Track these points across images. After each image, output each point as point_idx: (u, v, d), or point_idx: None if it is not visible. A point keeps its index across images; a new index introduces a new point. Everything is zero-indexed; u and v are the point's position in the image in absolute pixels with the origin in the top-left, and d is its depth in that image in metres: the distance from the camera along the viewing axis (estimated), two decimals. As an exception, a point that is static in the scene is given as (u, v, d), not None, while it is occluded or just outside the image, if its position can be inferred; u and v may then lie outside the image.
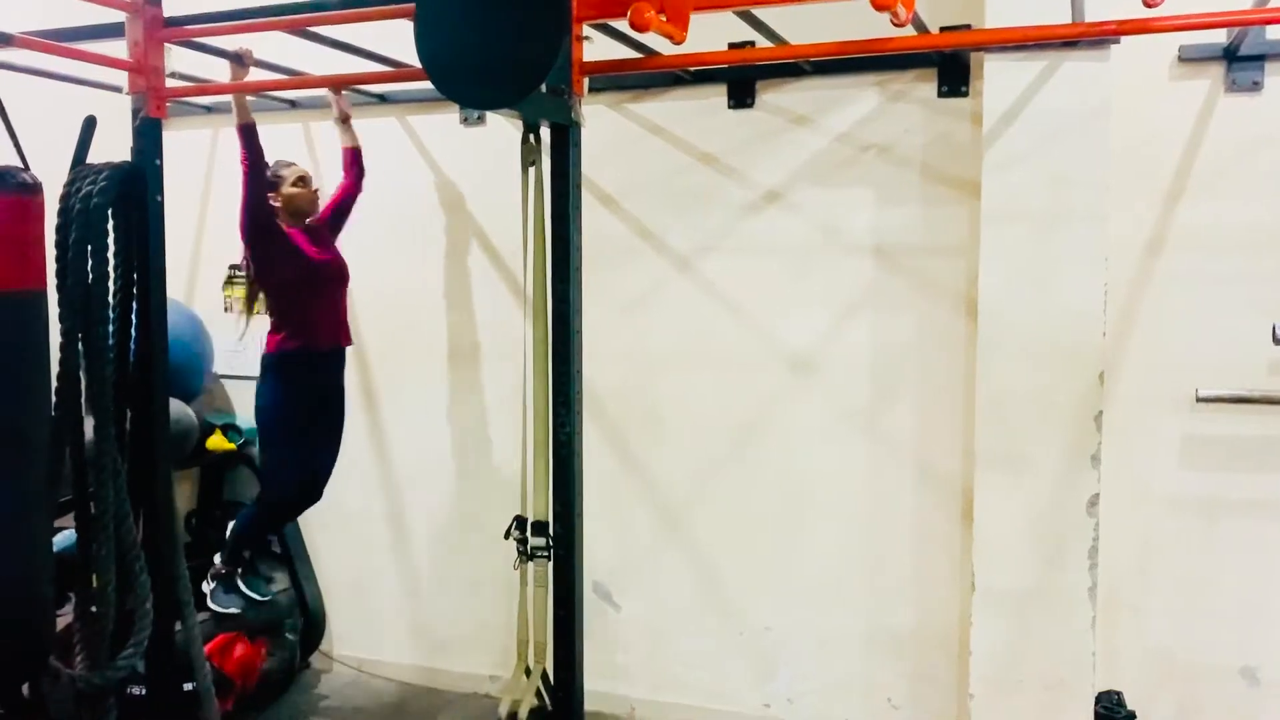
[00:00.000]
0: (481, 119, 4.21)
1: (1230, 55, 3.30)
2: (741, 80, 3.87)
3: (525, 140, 2.99)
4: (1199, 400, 3.31)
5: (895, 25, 2.61)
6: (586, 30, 2.97)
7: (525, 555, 3.13)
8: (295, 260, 3.72)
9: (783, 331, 3.91)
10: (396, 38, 3.14)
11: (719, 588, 4.05)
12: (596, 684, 3.63)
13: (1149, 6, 2.47)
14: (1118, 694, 3.43)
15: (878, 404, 3.80)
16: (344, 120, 4.00)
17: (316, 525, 4.55)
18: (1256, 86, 3.31)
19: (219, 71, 3.79)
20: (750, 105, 3.90)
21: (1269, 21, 3.02)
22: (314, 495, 3.94)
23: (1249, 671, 3.42)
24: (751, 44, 3.57)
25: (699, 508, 4.06)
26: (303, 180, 3.82)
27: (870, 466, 3.82)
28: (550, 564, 3.01)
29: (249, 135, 3.57)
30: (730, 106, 3.92)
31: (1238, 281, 3.34)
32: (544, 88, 2.70)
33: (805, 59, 3.60)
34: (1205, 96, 3.37)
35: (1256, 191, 3.34)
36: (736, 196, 3.94)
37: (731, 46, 3.62)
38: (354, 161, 4.03)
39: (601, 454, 4.09)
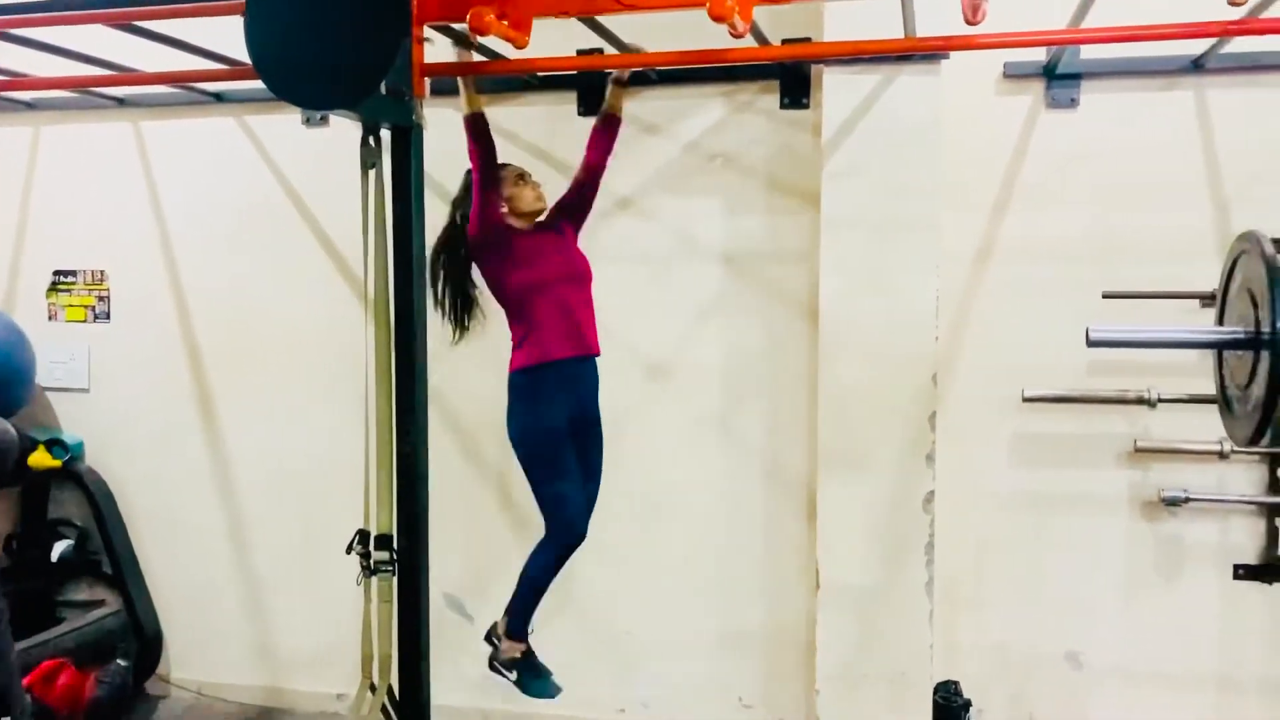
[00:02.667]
0: (325, 120, 4.09)
1: (1049, 73, 3.49)
2: (592, 87, 3.88)
3: (365, 142, 2.91)
4: (1025, 400, 3.48)
5: (733, 37, 2.65)
6: (428, 32, 2.92)
7: (368, 570, 3.05)
8: (530, 264, 3.22)
9: (637, 338, 3.92)
10: (236, 34, 3.02)
11: (577, 594, 4.03)
12: (448, 697, 3.57)
13: (970, 24, 2.59)
14: (955, 683, 3.57)
15: (729, 408, 3.86)
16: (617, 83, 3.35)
17: (150, 541, 4.33)
18: (1074, 103, 3.51)
19: (42, 66, 3.58)
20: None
21: (1081, 41, 3.22)
22: (583, 534, 3.32)
23: (1073, 656, 3.61)
24: (600, 51, 3.58)
25: (554, 515, 4.03)
26: (522, 178, 3.33)
27: (722, 469, 3.88)
28: (395, 578, 2.94)
29: (478, 126, 3.12)
30: (581, 113, 3.92)
31: (1059, 287, 3.53)
32: (384, 89, 2.65)
33: (651, 67, 3.63)
34: (1028, 112, 3.56)
35: (1074, 203, 3.53)
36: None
37: (580, 53, 3.62)
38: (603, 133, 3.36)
39: (455, 462, 4.03)
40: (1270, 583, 3.44)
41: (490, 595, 4.10)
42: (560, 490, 3.22)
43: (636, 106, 3.86)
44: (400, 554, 2.88)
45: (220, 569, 4.36)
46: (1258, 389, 2.32)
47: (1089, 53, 3.46)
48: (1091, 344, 2.49)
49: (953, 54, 3.36)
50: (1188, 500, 3.43)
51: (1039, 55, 3.49)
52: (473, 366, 4.02)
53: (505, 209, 3.22)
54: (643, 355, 3.91)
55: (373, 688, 3.13)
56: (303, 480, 4.24)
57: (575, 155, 3.89)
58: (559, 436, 3.22)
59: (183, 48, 3.41)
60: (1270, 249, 2.32)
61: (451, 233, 3.26)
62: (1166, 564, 3.50)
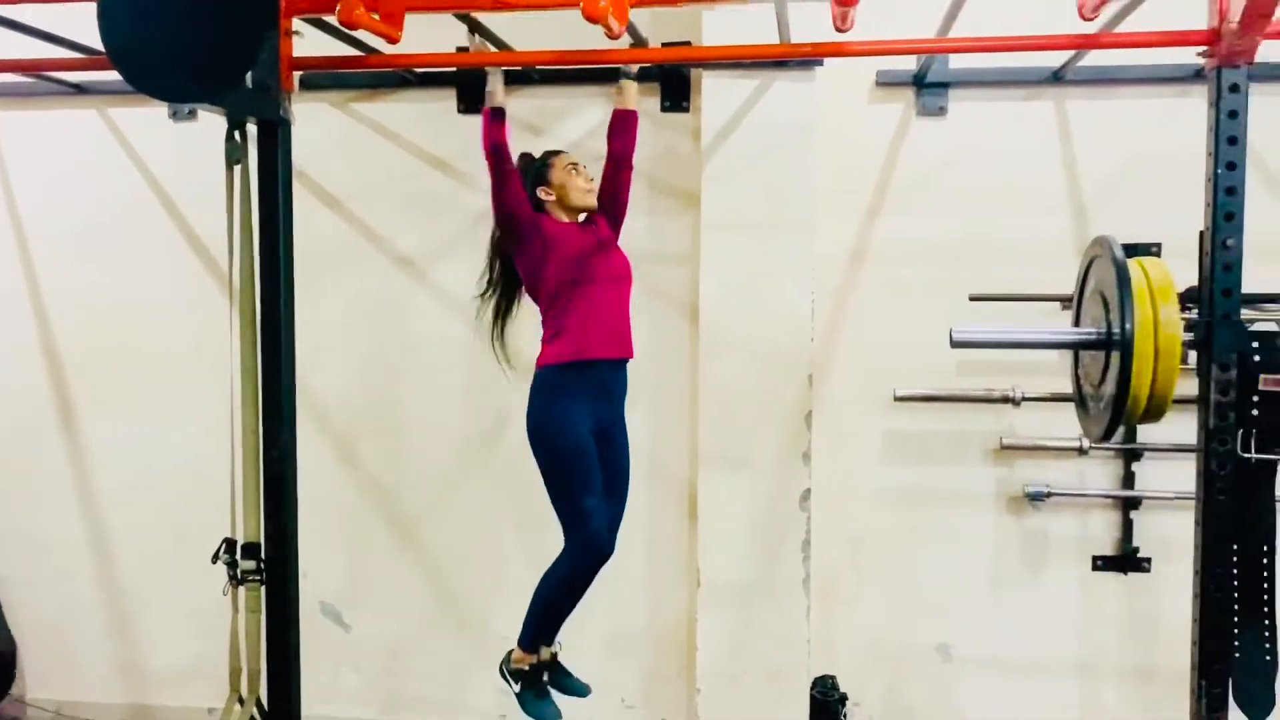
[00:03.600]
0: (193, 114, 3.94)
1: (919, 81, 3.59)
2: (471, 85, 3.83)
3: (229, 137, 2.81)
4: (896, 399, 3.57)
5: (609, 38, 2.66)
6: (298, 24, 2.84)
7: (235, 580, 2.94)
8: (572, 259, 3.05)
9: (515, 338, 3.88)
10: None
11: (459, 600, 3.98)
12: (322, 708, 3.49)
13: (839, 31, 2.65)
14: (832, 678, 3.63)
15: (612, 409, 3.86)
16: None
17: (2, 555, 4.10)
18: (942, 111, 3.61)
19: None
20: (479, 111, 3.85)
21: (946, 50, 3.32)
22: (611, 548, 3.16)
23: (944, 648, 3.72)
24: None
25: (438, 519, 3.97)
26: (574, 167, 3.18)
27: (604, 471, 3.87)
28: (263, 588, 2.84)
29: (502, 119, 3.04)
30: (460, 111, 3.87)
31: (930, 289, 3.63)
32: (250, 82, 2.57)
33: (528, 65, 3.60)
34: (899, 119, 3.65)
35: (944, 208, 3.64)
36: (470, 203, 3.90)
37: (459, 50, 3.57)
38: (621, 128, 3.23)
39: (329, 468, 3.93)
40: (1126, 573, 3.60)
41: (368, 604, 4.02)
42: (584, 503, 3.02)
43: (518, 105, 3.82)
44: (268, 563, 2.78)
45: (81, 583, 4.16)
46: (1109, 387, 2.43)
47: (957, 63, 3.57)
48: (955, 345, 2.58)
49: (827, 61, 3.44)
50: (1050, 495, 3.57)
51: (910, 64, 3.58)
52: (350, 370, 3.95)
53: (553, 198, 3.12)
54: (527, 354, 3.87)
55: (241, 701, 3.02)
56: (169, 489, 4.06)
57: (457, 153, 3.88)
58: (586, 442, 3.02)
59: (39, 35, 3.24)
60: (1120, 254, 2.43)
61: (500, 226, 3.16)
62: (1031, 557, 3.64)
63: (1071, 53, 3.35)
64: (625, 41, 3.19)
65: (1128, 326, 2.32)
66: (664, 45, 3.59)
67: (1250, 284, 3.33)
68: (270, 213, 2.67)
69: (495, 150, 3.01)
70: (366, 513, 4.00)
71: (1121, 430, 3.53)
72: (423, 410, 3.95)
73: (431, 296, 3.92)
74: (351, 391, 3.97)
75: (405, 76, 3.82)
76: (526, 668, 3.13)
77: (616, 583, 3.85)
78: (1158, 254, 3.34)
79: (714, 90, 3.49)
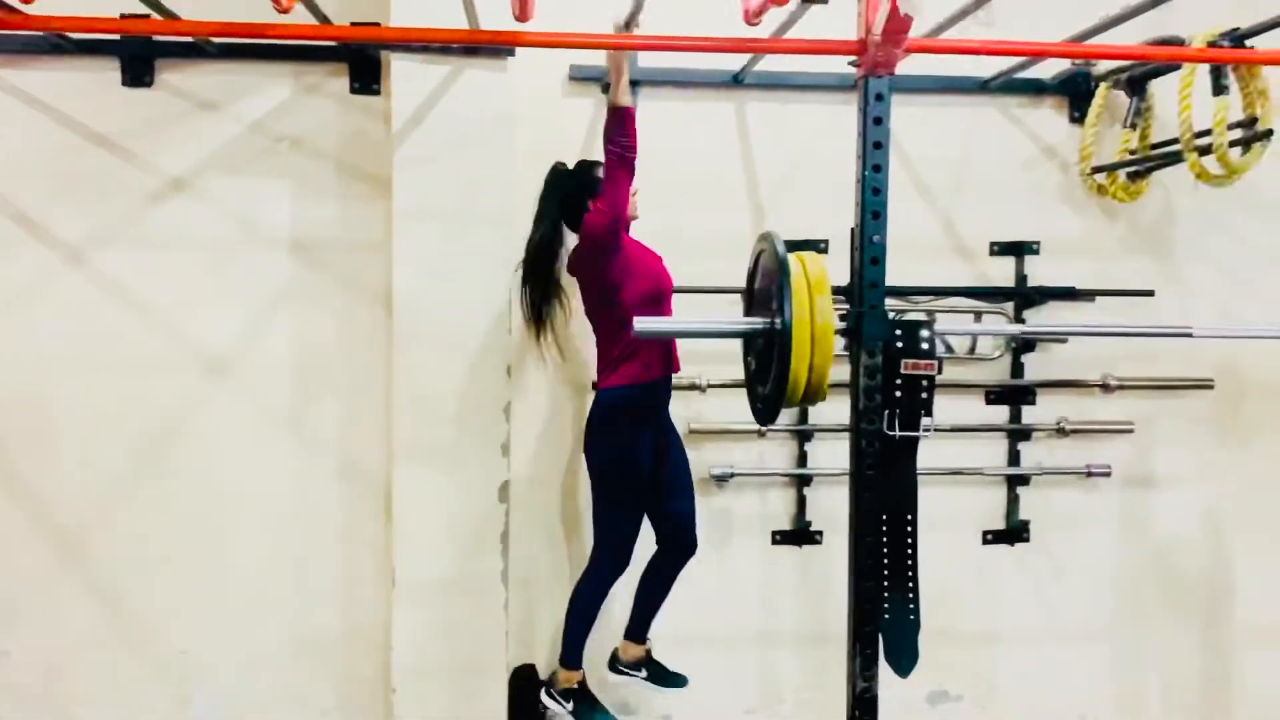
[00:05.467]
0: None
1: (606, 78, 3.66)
2: (138, 56, 3.53)
3: None
4: (593, 389, 3.64)
5: (278, 11, 2.52)
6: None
7: None
8: (645, 275, 3.15)
9: (196, 331, 3.63)
10: None
11: (127, 615, 3.66)
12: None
13: (519, 20, 2.65)
14: (531, 667, 3.66)
15: (301, 404, 3.68)
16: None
17: None
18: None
19: None
20: (149, 84, 3.57)
21: (628, 47, 3.38)
22: (692, 545, 3.39)
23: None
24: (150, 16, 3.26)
25: (104, 528, 3.63)
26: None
27: (295, 469, 3.69)
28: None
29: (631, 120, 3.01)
30: (126, 84, 3.56)
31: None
32: None
33: (197, 37, 3.36)
34: (592, 114, 3.71)
35: (639, 203, 3.73)
36: (138, 183, 3.59)
37: (125, 17, 3.28)
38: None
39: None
40: (800, 545, 3.87)
41: (24, 624, 3.63)
42: (629, 524, 3.25)
43: (189, 80, 3.58)
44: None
45: None
46: (773, 373, 2.58)
47: (647, 61, 3.68)
48: (636, 335, 2.65)
49: (522, 54, 3.43)
50: (734, 476, 3.76)
51: (602, 60, 3.65)
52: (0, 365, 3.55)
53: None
54: (201, 350, 3.62)
55: None
56: None
57: (122, 129, 3.57)
58: (646, 466, 3.20)
59: None
60: (781, 248, 2.59)
61: (554, 231, 3.28)
62: (717, 535, 3.81)
63: (749, 57, 3.55)
64: (308, 18, 3.06)
65: (787, 317, 2.48)
66: (353, 24, 3.47)
67: (905, 278, 3.72)
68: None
69: (634, 154, 3.02)
70: (21, 525, 3.59)
71: (796, 412, 3.79)
72: (86, 411, 3.59)
73: (94, 284, 3.58)
74: (2, 389, 3.55)
75: (61, 43, 3.45)
76: (575, 685, 3.33)
77: (306, 587, 3.71)
78: (825, 250, 3.61)
79: (404, 74, 3.39)
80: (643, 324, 2.66)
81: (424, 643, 3.47)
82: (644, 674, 3.46)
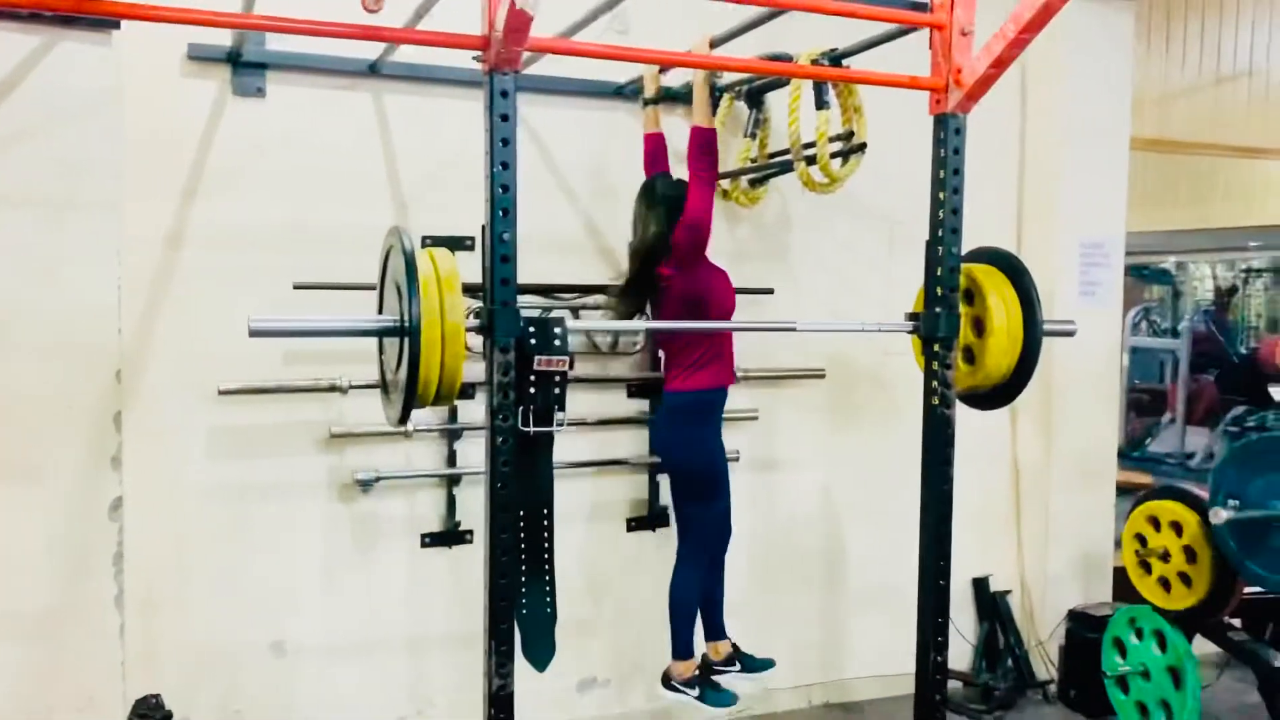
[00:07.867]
0: None
1: (234, 60, 3.43)
2: None
3: None
4: (221, 393, 3.41)
5: None
6: None
7: None
8: (725, 287, 3.55)
9: None
10: None
11: None
12: None
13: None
14: (156, 696, 3.35)
15: None
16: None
17: None
18: (261, 93, 3.50)
19: None
20: None
21: (251, 27, 3.18)
22: (730, 530, 3.69)
23: (278, 645, 3.63)
24: None
25: None
26: None
27: None
28: None
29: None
30: None
31: (254, 277, 3.49)
32: None
33: None
34: (215, 97, 3.46)
35: (268, 193, 3.54)
36: None
37: None
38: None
39: None
40: (450, 546, 3.83)
41: None
42: (717, 509, 3.54)
43: None
44: None
45: None
46: (403, 372, 2.52)
47: (276, 44, 3.48)
48: (253, 334, 2.48)
49: (132, 27, 3.13)
50: (379, 479, 3.66)
51: (225, 39, 3.41)
52: None
53: None
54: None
55: None
56: None
57: None
58: (722, 459, 3.55)
59: None
60: (409, 245, 2.52)
61: (659, 241, 3.42)
62: (362, 541, 3.70)
63: (384, 46, 3.45)
64: None
65: (415, 314, 2.42)
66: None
67: (551, 276, 3.79)
68: None
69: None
70: None
71: (446, 411, 3.75)
72: None
73: None
74: None
75: None
76: (696, 672, 3.55)
77: None
78: (471, 247, 3.59)
79: (-15, 41, 2.99)
80: (258, 324, 2.48)
81: (26, 683, 3.09)
82: (696, 692, 3.55)
